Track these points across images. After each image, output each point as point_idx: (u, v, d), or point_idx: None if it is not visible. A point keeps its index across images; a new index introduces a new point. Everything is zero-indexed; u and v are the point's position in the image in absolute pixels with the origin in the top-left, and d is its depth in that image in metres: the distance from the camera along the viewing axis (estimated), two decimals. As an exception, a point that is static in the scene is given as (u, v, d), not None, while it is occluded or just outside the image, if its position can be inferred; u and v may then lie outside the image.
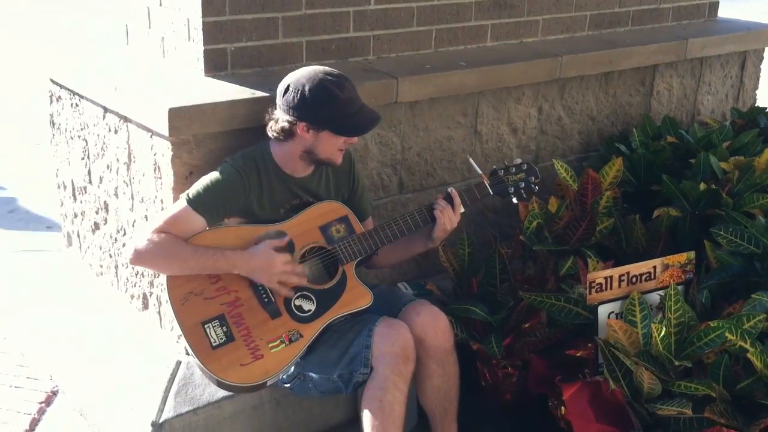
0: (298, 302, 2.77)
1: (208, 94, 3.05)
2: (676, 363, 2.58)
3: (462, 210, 2.94)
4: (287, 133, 2.77)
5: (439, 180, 3.77)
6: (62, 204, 3.96)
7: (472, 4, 3.89)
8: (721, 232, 3.10)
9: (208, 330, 2.69)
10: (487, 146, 3.89)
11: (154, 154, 3.10)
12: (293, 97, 2.71)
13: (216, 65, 3.26)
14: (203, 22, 3.16)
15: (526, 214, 3.44)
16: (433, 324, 2.87)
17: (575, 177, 3.63)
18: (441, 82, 3.57)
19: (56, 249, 4.01)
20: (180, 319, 2.70)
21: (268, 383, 2.72)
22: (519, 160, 3.05)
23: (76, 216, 3.84)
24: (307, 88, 2.69)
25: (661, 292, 2.88)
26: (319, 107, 2.69)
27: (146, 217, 3.24)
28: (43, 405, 3.45)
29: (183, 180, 3.01)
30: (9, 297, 3.94)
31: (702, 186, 3.54)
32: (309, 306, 2.78)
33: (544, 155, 4.13)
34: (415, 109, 3.58)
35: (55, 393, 3.50)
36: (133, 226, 3.36)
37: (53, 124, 3.85)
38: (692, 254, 2.98)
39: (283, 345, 2.71)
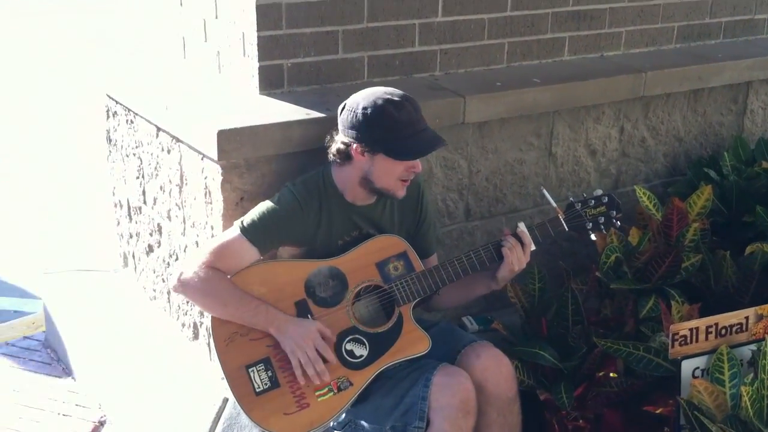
0: (349, 346, 2.56)
1: (261, 114, 2.89)
2: (770, 433, 2.28)
3: (533, 248, 2.68)
4: (343, 156, 2.60)
5: (509, 206, 3.51)
6: (118, 223, 3.84)
7: (548, 15, 3.63)
8: (824, 276, 2.78)
9: (252, 374, 2.52)
10: (563, 170, 3.61)
11: (205, 178, 2.95)
12: (347, 117, 2.56)
13: (271, 82, 3.09)
14: (258, 36, 2.99)
15: (603, 246, 3.16)
16: (496, 369, 2.62)
17: (659, 205, 3.34)
18: (513, 101, 3.33)
19: (112, 269, 3.90)
20: (223, 361, 2.55)
21: None
22: (599, 192, 2.76)
23: (131, 237, 3.72)
24: (361, 107, 2.53)
25: (753, 346, 2.57)
26: (372, 127, 2.51)
27: (197, 243, 3.08)
28: (89, 436, 3.35)
29: (233, 206, 2.86)
30: (64, 317, 3.85)
31: (802, 220, 3.22)
32: (361, 351, 2.57)
33: (626, 179, 3.83)
34: (484, 129, 3.34)
35: (102, 423, 3.39)
36: (184, 251, 3.20)
37: (110, 140, 3.73)
38: (791, 302, 2.67)
39: (331, 393, 2.51)
